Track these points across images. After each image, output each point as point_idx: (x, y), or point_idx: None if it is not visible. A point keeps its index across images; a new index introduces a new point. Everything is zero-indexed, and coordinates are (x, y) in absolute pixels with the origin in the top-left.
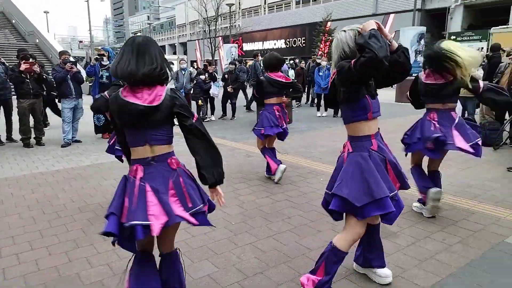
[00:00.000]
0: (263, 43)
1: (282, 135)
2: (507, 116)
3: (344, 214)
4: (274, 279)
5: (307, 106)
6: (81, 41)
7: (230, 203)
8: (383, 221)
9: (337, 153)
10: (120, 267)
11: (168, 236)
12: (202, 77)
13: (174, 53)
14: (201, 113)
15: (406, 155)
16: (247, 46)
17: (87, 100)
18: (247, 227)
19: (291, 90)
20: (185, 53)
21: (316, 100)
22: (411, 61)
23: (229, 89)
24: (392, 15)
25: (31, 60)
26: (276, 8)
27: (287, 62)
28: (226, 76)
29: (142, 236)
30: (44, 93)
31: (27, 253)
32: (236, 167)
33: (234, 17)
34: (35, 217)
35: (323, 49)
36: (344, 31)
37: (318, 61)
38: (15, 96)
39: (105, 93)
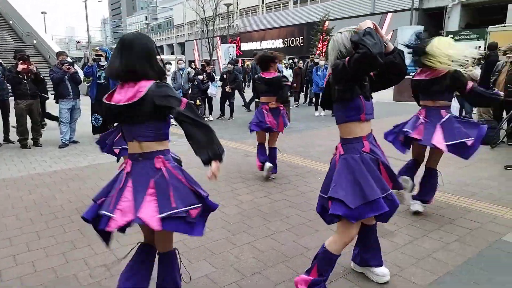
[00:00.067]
0: (261, 43)
1: (268, 130)
2: (504, 114)
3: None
4: (272, 278)
5: (305, 106)
6: (78, 42)
7: (228, 203)
8: (378, 219)
9: None
10: (118, 268)
11: (162, 236)
12: (200, 77)
13: (172, 53)
14: (199, 113)
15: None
16: (245, 46)
17: (84, 101)
18: (245, 227)
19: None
20: (183, 53)
21: (314, 100)
22: (409, 60)
23: (227, 89)
24: (389, 14)
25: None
26: (274, 8)
27: (285, 62)
28: (224, 76)
29: (103, 226)
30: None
31: (24, 254)
32: (234, 167)
33: (232, 17)
34: (32, 218)
35: (321, 48)
36: (340, 32)
37: (316, 60)
38: (13, 97)
39: None
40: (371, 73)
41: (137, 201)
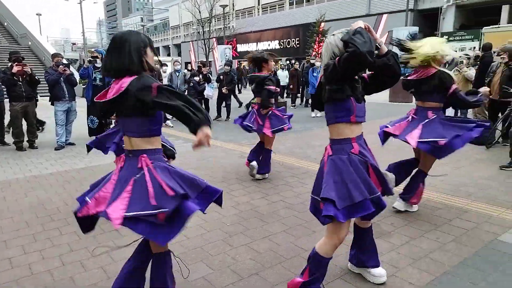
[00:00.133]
0: (257, 44)
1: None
2: (499, 114)
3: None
4: (269, 280)
5: (301, 107)
6: (74, 43)
7: (225, 204)
8: (362, 218)
9: None
10: (115, 270)
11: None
12: (196, 78)
13: (168, 54)
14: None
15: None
16: (241, 47)
17: (80, 103)
18: (242, 228)
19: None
20: (179, 54)
21: (310, 101)
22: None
23: (224, 90)
24: (385, 16)
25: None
26: (270, 9)
27: (281, 63)
28: (221, 77)
29: (77, 209)
30: None
31: (20, 257)
32: (231, 168)
33: (228, 18)
34: (28, 221)
35: (317, 49)
36: (333, 34)
37: (312, 61)
38: (8, 99)
39: None
40: (365, 76)
41: (113, 195)
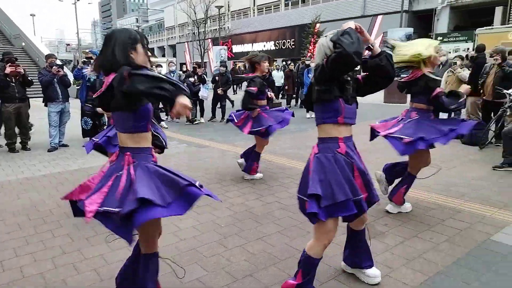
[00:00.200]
0: (252, 45)
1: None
2: (492, 115)
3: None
4: (263, 281)
5: (297, 108)
6: (68, 44)
7: (220, 205)
8: (344, 219)
9: None
10: (108, 273)
11: (140, 235)
12: (191, 79)
13: (163, 55)
14: (190, 115)
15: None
16: (237, 48)
17: (74, 104)
18: (237, 230)
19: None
20: (174, 55)
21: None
22: None
23: (219, 91)
24: (380, 17)
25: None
26: (265, 10)
27: (276, 64)
28: (216, 78)
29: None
30: None
31: (12, 260)
32: (226, 169)
33: (224, 19)
34: (20, 223)
35: (312, 50)
36: (326, 36)
37: (308, 62)
38: (0, 101)
39: None
40: (360, 77)
41: (96, 187)
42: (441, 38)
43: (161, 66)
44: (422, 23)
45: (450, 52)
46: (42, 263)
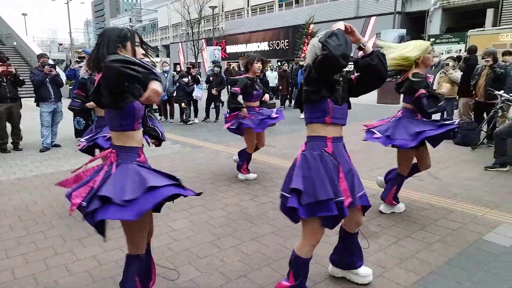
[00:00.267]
0: (246, 46)
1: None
2: (484, 116)
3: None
4: (257, 281)
5: (291, 108)
6: (61, 44)
7: (213, 206)
8: (324, 224)
9: None
10: (100, 274)
11: (126, 234)
12: (185, 79)
13: (157, 55)
14: (184, 115)
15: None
16: (231, 49)
17: (66, 104)
18: (231, 230)
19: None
20: (168, 55)
21: None
22: None
23: (213, 91)
24: (373, 18)
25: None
26: (259, 11)
27: (270, 65)
28: (211, 78)
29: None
30: None
31: (3, 261)
32: (220, 169)
33: (217, 19)
34: (12, 224)
35: (306, 51)
36: (317, 36)
37: (301, 63)
38: None
39: None
40: (353, 77)
41: (85, 180)
42: (433, 39)
43: (156, 66)
44: (414, 25)
45: (442, 54)
46: (34, 264)
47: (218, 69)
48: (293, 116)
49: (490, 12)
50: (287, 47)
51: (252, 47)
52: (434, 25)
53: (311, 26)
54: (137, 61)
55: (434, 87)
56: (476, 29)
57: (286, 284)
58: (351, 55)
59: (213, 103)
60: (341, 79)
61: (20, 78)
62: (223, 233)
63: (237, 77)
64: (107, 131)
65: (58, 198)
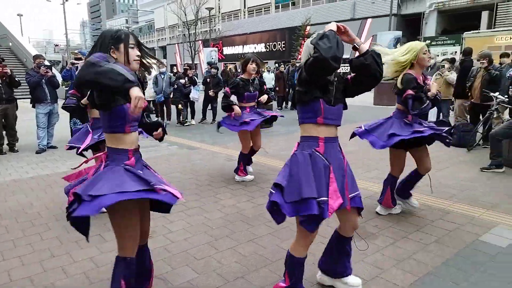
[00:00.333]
0: (243, 47)
1: None
2: (480, 117)
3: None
4: (255, 283)
5: (287, 110)
6: (56, 45)
7: (211, 207)
8: (303, 224)
9: None
10: (97, 276)
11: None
12: (182, 81)
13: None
14: (181, 117)
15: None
16: (227, 50)
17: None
18: (228, 232)
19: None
20: (164, 57)
21: None
22: None
23: (210, 93)
24: (369, 20)
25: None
26: (256, 12)
27: (267, 66)
28: (208, 80)
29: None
30: None
31: None
32: (217, 171)
33: (214, 21)
34: (8, 226)
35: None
36: (312, 37)
37: (298, 65)
38: None
39: None
40: (349, 77)
41: (83, 177)
42: (429, 41)
43: (152, 67)
44: (410, 27)
45: (438, 55)
46: (30, 267)
47: (215, 70)
48: (290, 118)
49: (485, 15)
50: (283, 49)
51: (249, 48)
52: (430, 27)
53: (308, 28)
54: (113, 68)
55: None
56: (471, 31)
57: (282, 285)
58: (348, 56)
59: (210, 104)
60: (335, 79)
61: (16, 79)
62: (220, 234)
63: (234, 78)
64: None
65: (54, 200)
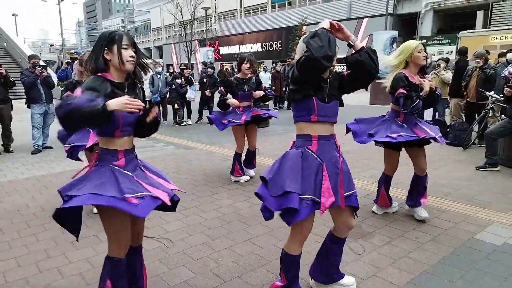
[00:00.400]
0: (239, 47)
1: None
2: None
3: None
4: (252, 283)
5: (284, 109)
6: (52, 45)
7: (207, 207)
8: (284, 218)
9: None
10: (93, 277)
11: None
12: (179, 81)
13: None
14: (177, 117)
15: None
16: (224, 50)
17: None
18: (225, 231)
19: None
20: (160, 56)
21: None
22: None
23: (207, 93)
24: (365, 20)
25: None
26: (252, 12)
27: (263, 66)
28: (204, 80)
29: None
30: None
31: None
32: (214, 171)
33: (210, 20)
34: (3, 228)
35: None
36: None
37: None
38: None
39: None
40: (345, 74)
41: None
42: (425, 40)
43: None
44: (406, 26)
45: (434, 55)
46: (26, 268)
47: (212, 70)
48: (286, 117)
49: (480, 14)
50: (280, 49)
51: (246, 48)
52: (426, 27)
53: (304, 27)
54: (74, 107)
55: None
56: (467, 31)
57: (279, 284)
58: (345, 55)
59: (206, 104)
60: (330, 76)
61: (11, 79)
62: (217, 234)
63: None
64: None
65: (50, 201)
